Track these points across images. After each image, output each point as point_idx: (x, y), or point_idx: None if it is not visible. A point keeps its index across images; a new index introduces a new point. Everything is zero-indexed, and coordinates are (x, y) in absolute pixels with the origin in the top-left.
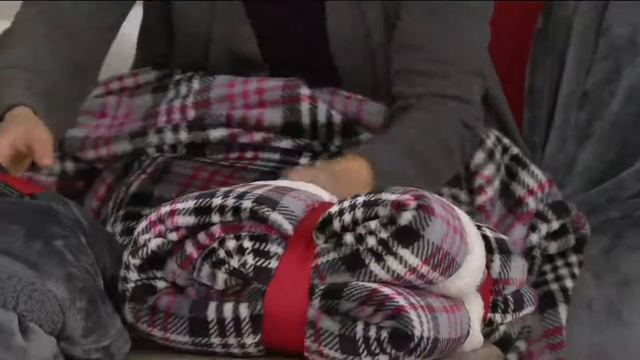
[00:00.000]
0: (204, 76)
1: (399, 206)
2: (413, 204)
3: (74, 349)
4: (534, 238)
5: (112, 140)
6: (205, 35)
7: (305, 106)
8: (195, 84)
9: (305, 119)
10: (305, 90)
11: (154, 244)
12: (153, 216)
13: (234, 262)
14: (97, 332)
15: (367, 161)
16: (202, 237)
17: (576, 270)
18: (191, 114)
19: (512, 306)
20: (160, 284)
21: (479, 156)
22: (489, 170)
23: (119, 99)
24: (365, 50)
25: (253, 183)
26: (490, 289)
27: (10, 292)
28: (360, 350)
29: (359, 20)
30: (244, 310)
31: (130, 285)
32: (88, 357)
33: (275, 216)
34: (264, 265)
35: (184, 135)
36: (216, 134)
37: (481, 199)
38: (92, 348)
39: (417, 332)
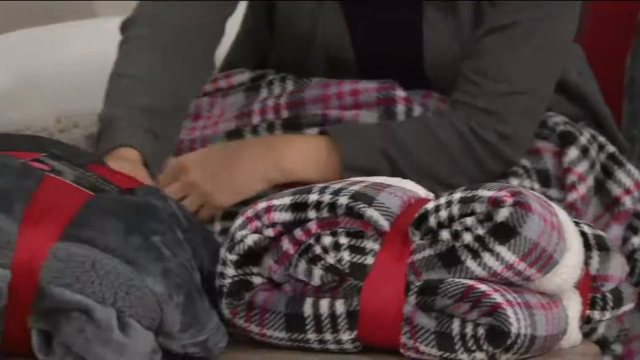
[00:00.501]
0: (298, 78)
1: (496, 203)
2: (510, 200)
3: (171, 343)
4: (636, 241)
5: (209, 141)
6: (307, 39)
7: (400, 108)
8: (289, 85)
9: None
10: (400, 92)
11: (251, 239)
12: (250, 212)
13: (330, 259)
14: (194, 327)
15: (332, 141)
16: (298, 233)
17: None
18: (285, 113)
19: (610, 303)
20: (257, 280)
21: (573, 153)
22: (582, 167)
23: (212, 100)
24: (458, 65)
25: (349, 179)
26: (589, 285)
27: (109, 288)
28: (457, 347)
29: (454, 35)
30: (340, 306)
31: (227, 281)
32: (185, 351)
33: (371, 212)
34: (360, 261)
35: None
36: (312, 132)
37: (572, 197)
38: (189, 343)
39: (514, 329)
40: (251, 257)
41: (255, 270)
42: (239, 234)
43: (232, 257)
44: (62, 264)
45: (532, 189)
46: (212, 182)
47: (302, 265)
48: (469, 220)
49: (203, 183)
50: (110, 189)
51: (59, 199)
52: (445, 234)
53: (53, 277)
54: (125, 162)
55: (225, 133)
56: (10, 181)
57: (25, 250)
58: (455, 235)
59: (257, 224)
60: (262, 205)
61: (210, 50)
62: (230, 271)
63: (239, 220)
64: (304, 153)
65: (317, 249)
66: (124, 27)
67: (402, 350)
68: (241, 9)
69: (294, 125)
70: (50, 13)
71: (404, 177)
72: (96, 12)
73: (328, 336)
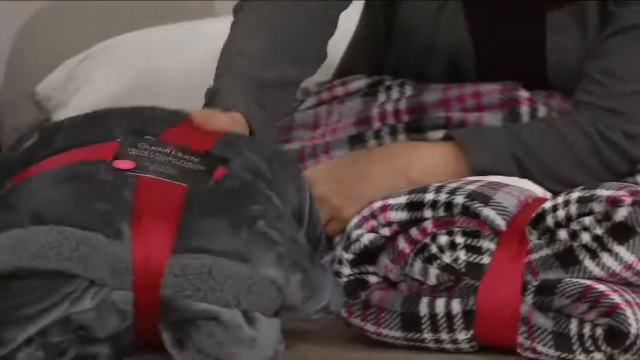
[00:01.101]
0: (417, 83)
1: (615, 202)
2: (629, 200)
3: (295, 315)
4: None
5: (331, 147)
6: (428, 42)
7: (525, 109)
8: (408, 90)
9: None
10: (524, 93)
11: (367, 239)
12: (366, 211)
13: (447, 258)
14: (313, 297)
15: (459, 147)
16: (414, 232)
17: None
18: (405, 118)
19: None
20: (373, 279)
21: None
22: None
23: (329, 108)
24: (582, 67)
25: (466, 179)
26: None
27: (231, 293)
28: (575, 348)
29: (580, 39)
30: (456, 306)
31: (343, 280)
32: (310, 319)
33: (488, 212)
34: (476, 261)
35: (402, 139)
36: (435, 136)
37: None
38: (312, 311)
39: (633, 330)
40: (367, 257)
41: (371, 269)
42: (355, 234)
43: (348, 256)
44: (180, 278)
45: None
46: (341, 196)
47: (418, 264)
48: (587, 220)
49: (332, 197)
50: (194, 163)
51: (158, 204)
52: (563, 234)
53: (174, 292)
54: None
55: (347, 139)
56: (112, 200)
57: (142, 270)
58: (573, 235)
59: (373, 223)
60: (378, 204)
61: (321, 40)
62: (347, 270)
63: (355, 220)
64: (431, 160)
65: (434, 249)
66: (237, 10)
67: (519, 351)
68: (353, 14)
69: (417, 129)
70: (172, 13)
71: (533, 179)
72: (216, 12)
73: (444, 336)
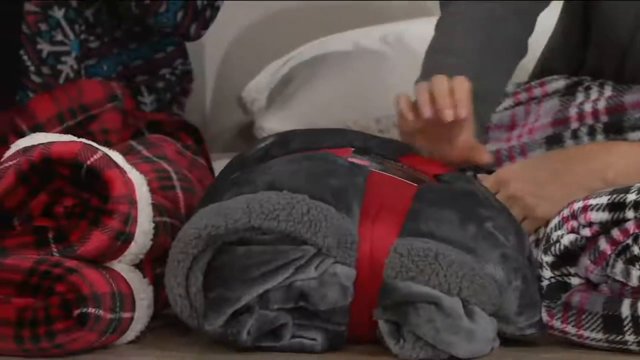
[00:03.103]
0: (616, 84)
1: None
2: None
3: (507, 327)
4: None
5: (527, 149)
6: (625, 43)
7: None
8: (607, 90)
9: None
10: None
11: (567, 240)
12: (566, 212)
13: None
14: (530, 309)
15: None
16: (615, 233)
17: None
18: (604, 118)
19: None
20: (574, 281)
21: None
22: None
23: (527, 108)
24: None
25: None
26: None
27: (454, 279)
28: None
29: None
30: None
31: (544, 283)
32: (522, 333)
33: None
34: None
35: (600, 139)
36: (635, 136)
37: None
38: (526, 325)
39: None
40: (568, 258)
41: (572, 270)
42: (554, 235)
43: (548, 258)
44: (405, 258)
45: None
46: (535, 194)
47: (620, 265)
48: None
49: (525, 196)
50: (425, 177)
51: (388, 194)
52: None
53: (397, 272)
54: None
55: (544, 139)
56: (345, 180)
57: (367, 248)
58: None
59: (573, 223)
60: (578, 204)
61: (524, 38)
62: (547, 273)
63: (554, 220)
64: (630, 160)
65: (635, 250)
66: (444, 6)
67: None
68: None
69: (615, 130)
70: (385, 12)
71: None
72: (429, 12)
73: None
